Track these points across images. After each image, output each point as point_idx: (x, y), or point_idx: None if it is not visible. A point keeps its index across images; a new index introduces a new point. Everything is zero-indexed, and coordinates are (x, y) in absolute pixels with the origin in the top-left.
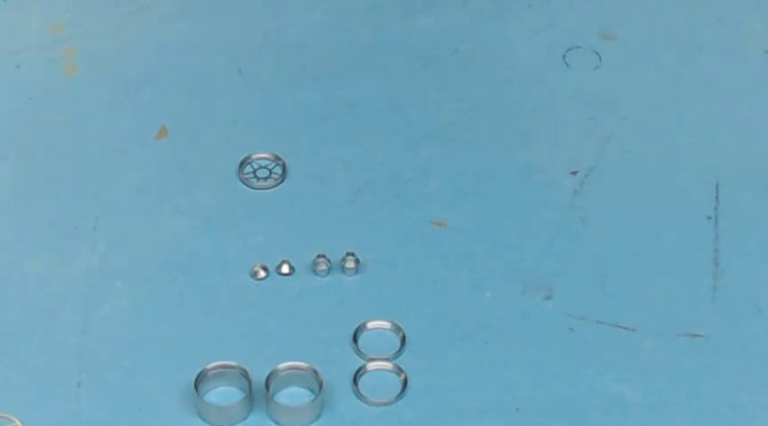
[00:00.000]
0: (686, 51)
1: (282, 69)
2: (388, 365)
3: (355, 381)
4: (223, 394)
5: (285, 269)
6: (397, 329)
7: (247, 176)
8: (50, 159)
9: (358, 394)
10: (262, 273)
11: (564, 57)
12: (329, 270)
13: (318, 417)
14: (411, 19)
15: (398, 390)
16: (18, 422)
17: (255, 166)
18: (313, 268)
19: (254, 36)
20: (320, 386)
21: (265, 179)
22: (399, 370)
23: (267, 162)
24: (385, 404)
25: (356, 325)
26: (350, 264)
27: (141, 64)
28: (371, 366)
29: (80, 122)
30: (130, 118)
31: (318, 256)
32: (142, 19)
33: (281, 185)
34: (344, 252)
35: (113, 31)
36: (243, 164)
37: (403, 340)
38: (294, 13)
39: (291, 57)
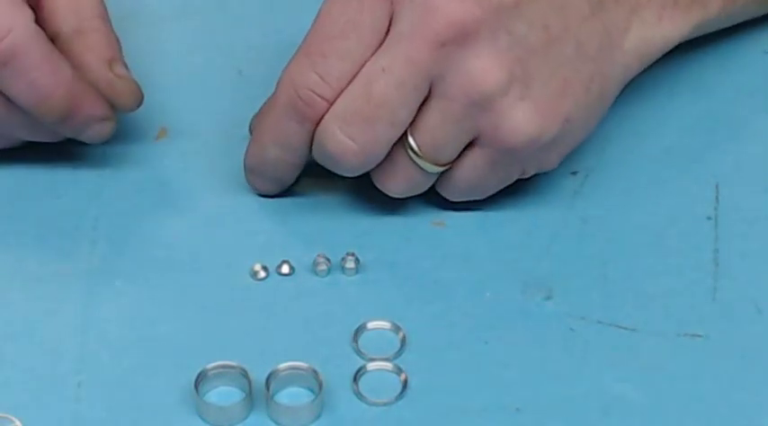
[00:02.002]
0: (686, 51)
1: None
2: (388, 365)
3: (355, 381)
4: (223, 395)
5: (285, 269)
6: (396, 329)
7: None
8: (50, 159)
9: (358, 394)
10: (262, 273)
11: None
12: (329, 270)
13: (318, 417)
14: None
15: (398, 390)
16: (18, 422)
17: None
18: (313, 268)
19: (254, 36)
20: (320, 386)
21: None
22: (399, 370)
23: None
24: (385, 404)
25: (356, 325)
26: (350, 264)
27: (141, 64)
28: (371, 366)
29: None
30: (130, 118)
31: (318, 256)
32: (142, 19)
33: None
34: (344, 252)
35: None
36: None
37: (403, 340)
38: (294, 13)
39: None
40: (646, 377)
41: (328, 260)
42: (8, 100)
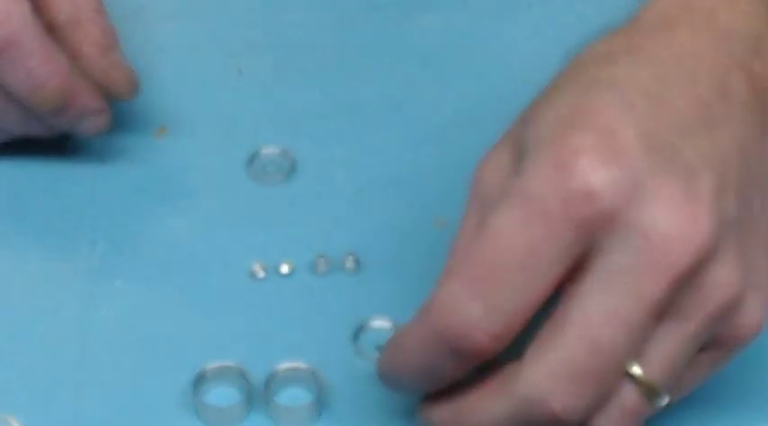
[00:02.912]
0: None
1: (282, 69)
2: None
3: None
4: (222, 395)
5: (285, 269)
6: (397, 329)
7: (257, 172)
8: (51, 159)
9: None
10: (261, 273)
11: (564, 57)
12: (329, 270)
13: (318, 417)
14: (411, 19)
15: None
16: (18, 422)
17: (264, 162)
18: (313, 268)
19: (254, 36)
20: (320, 386)
21: (275, 174)
22: None
23: (276, 157)
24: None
25: (356, 325)
26: (350, 264)
27: (141, 64)
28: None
29: None
30: (130, 117)
31: (318, 256)
32: (142, 19)
33: (280, 186)
34: (344, 252)
35: None
36: (252, 159)
37: None
38: (294, 13)
39: (291, 57)
40: None
41: (328, 260)
42: (3, 90)
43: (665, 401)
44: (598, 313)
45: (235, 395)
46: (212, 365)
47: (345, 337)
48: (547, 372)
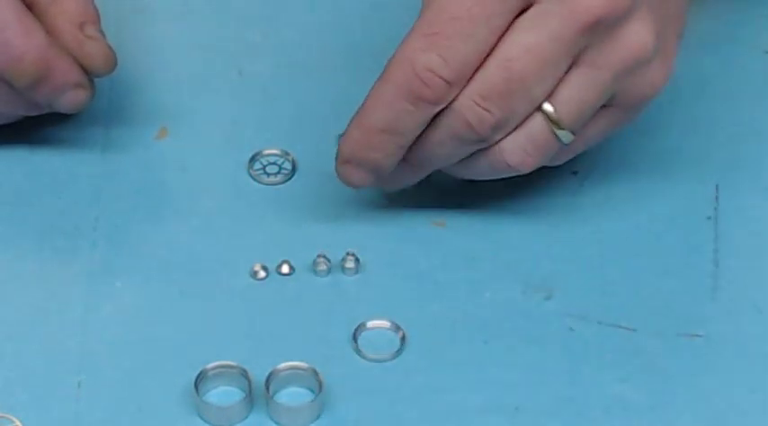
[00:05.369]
0: (686, 51)
1: (282, 70)
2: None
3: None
4: (223, 395)
5: (285, 269)
6: (396, 329)
7: (257, 172)
8: (51, 159)
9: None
10: (262, 273)
11: None
12: (329, 270)
13: (318, 417)
14: (411, 19)
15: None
16: (18, 422)
17: (264, 163)
18: (313, 268)
19: (254, 36)
20: (320, 386)
21: (275, 174)
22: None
23: (276, 158)
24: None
25: (356, 325)
26: (350, 264)
27: (142, 65)
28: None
29: (80, 122)
30: (130, 118)
31: (318, 256)
32: (142, 19)
33: (281, 186)
34: (344, 253)
35: (113, 31)
36: (252, 159)
37: (403, 340)
38: (294, 13)
39: (291, 58)
40: (646, 377)
41: (328, 260)
42: None
43: (568, 139)
44: (518, 46)
45: (236, 395)
46: (213, 364)
47: (345, 337)
48: (468, 92)
